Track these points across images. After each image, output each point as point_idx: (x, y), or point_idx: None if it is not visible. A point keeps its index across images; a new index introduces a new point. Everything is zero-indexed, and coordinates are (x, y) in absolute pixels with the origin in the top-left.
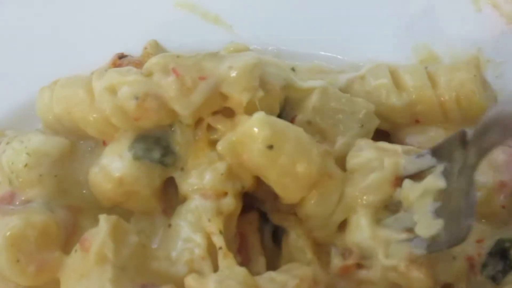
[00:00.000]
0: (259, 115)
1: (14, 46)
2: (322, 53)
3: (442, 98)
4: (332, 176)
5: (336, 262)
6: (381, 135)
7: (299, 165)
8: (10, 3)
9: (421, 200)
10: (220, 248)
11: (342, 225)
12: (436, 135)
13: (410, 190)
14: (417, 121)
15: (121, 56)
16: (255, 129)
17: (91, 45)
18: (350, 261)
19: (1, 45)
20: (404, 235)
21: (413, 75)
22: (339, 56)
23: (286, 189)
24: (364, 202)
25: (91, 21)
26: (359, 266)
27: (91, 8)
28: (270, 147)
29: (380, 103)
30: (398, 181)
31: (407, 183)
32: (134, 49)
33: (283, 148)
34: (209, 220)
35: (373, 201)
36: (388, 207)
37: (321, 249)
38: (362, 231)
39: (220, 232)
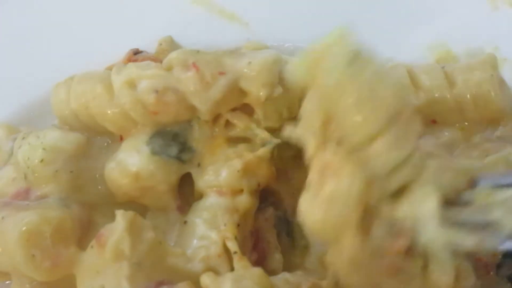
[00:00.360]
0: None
1: (28, 42)
2: None
3: (459, 98)
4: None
5: (382, 239)
6: None
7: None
8: (26, 2)
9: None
10: (235, 252)
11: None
12: (452, 136)
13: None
14: (433, 122)
15: (136, 52)
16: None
17: (105, 41)
18: (402, 241)
19: (15, 42)
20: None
21: (430, 75)
22: None
23: (357, 122)
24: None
25: (105, 17)
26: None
27: (105, 4)
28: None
29: None
30: (471, 182)
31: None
32: (149, 45)
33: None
34: (224, 225)
35: (448, 182)
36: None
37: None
38: (426, 208)
39: (235, 237)
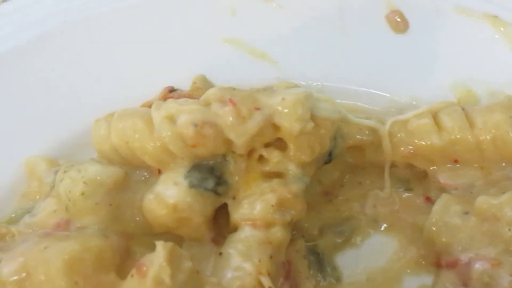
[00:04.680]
0: None
1: (70, 79)
2: (364, 89)
3: (479, 139)
4: None
5: None
6: (419, 175)
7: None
8: (67, 37)
9: None
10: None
11: None
12: (473, 175)
13: None
14: (455, 161)
15: (171, 90)
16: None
17: (142, 78)
18: None
19: (58, 78)
20: None
21: (451, 116)
22: (379, 92)
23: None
24: None
25: (142, 56)
26: None
27: (142, 43)
28: None
29: (420, 142)
30: None
31: None
32: (183, 83)
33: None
34: (258, 259)
35: None
36: None
37: None
38: None
39: (268, 273)
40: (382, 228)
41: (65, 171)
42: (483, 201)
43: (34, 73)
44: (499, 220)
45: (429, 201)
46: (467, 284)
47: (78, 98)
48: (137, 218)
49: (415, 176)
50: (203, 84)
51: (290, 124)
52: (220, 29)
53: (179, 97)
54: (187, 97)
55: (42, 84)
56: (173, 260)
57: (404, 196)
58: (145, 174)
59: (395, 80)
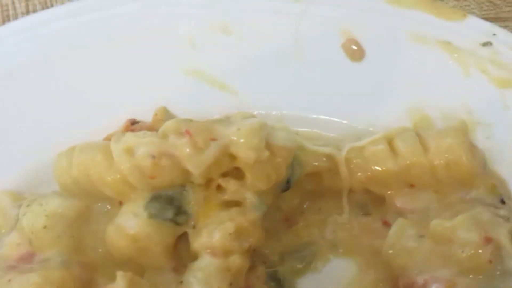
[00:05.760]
0: None
1: (32, 113)
2: (322, 116)
3: (433, 163)
4: None
5: None
6: (377, 199)
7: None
8: (29, 72)
9: None
10: None
11: None
12: (429, 199)
13: None
14: (411, 185)
15: (133, 122)
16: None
17: (102, 111)
18: None
19: (20, 112)
20: None
21: (406, 142)
22: (337, 119)
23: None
24: None
25: (104, 89)
26: None
27: (102, 77)
28: None
29: (377, 168)
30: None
31: None
32: (145, 114)
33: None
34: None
35: None
36: None
37: None
38: None
39: None
40: (342, 253)
41: (27, 205)
42: (437, 224)
43: None
44: (453, 242)
45: (387, 225)
46: None
47: (41, 132)
48: (100, 249)
49: (373, 201)
50: (164, 115)
51: (245, 153)
52: (180, 61)
53: (141, 129)
54: (149, 129)
55: (5, 119)
56: None
57: (362, 221)
58: (107, 206)
59: (352, 107)
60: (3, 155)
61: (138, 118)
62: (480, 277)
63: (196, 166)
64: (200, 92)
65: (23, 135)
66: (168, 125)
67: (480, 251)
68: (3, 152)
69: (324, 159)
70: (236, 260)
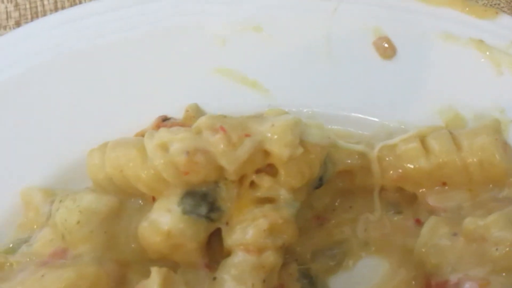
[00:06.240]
0: None
1: (65, 110)
2: (353, 114)
3: (466, 161)
4: None
5: None
6: (408, 198)
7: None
8: (61, 69)
9: None
10: None
11: None
12: (461, 197)
13: None
14: (444, 184)
15: (164, 119)
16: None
17: (135, 109)
18: None
19: (53, 110)
20: None
21: (438, 140)
22: (369, 117)
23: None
24: None
25: (135, 87)
26: None
27: (136, 74)
28: None
29: (409, 166)
30: None
31: None
32: (176, 112)
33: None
34: (252, 285)
35: None
36: None
37: None
38: None
39: None
40: (373, 251)
41: (60, 201)
42: (470, 222)
43: (29, 105)
44: (487, 240)
45: (419, 223)
46: None
47: (73, 129)
48: (133, 245)
49: (404, 200)
50: (196, 112)
51: (279, 150)
52: (211, 60)
53: (172, 125)
54: (180, 125)
55: (38, 116)
56: (167, 286)
57: (394, 219)
58: (140, 202)
59: (384, 105)
60: (35, 152)
61: (169, 115)
62: None
63: (230, 162)
64: (231, 90)
65: (56, 132)
66: (202, 121)
67: None
68: (36, 149)
69: (357, 157)
70: (270, 257)
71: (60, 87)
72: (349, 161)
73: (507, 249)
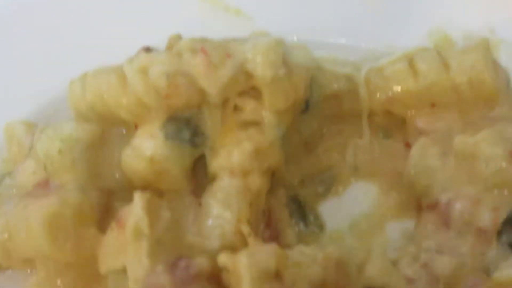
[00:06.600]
0: None
1: (45, 44)
2: (340, 40)
3: (455, 81)
4: None
5: None
6: (397, 121)
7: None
8: (41, 4)
9: None
10: (249, 235)
11: None
12: (451, 117)
13: None
14: (432, 105)
15: (147, 49)
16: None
17: (116, 40)
18: None
19: (34, 44)
20: None
21: (426, 60)
22: (356, 43)
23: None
24: None
25: (115, 17)
26: None
27: (115, 5)
28: None
29: (397, 88)
30: None
31: None
32: (159, 43)
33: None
34: (238, 209)
35: None
36: None
37: None
38: None
39: (248, 220)
40: (363, 176)
41: (41, 131)
42: (460, 141)
43: (9, 41)
44: (477, 158)
45: (409, 146)
46: (448, 224)
47: (54, 63)
48: (117, 174)
49: (393, 123)
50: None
51: (262, 71)
52: None
53: None
54: None
55: (17, 51)
56: (151, 210)
57: (383, 143)
58: (123, 131)
59: (371, 30)
60: (16, 86)
61: (152, 46)
62: (506, 193)
63: (211, 85)
64: (214, 19)
65: (36, 66)
66: (183, 43)
67: (504, 165)
68: (17, 83)
69: (344, 80)
70: (256, 180)
71: (41, 19)
72: (336, 85)
73: (498, 165)
